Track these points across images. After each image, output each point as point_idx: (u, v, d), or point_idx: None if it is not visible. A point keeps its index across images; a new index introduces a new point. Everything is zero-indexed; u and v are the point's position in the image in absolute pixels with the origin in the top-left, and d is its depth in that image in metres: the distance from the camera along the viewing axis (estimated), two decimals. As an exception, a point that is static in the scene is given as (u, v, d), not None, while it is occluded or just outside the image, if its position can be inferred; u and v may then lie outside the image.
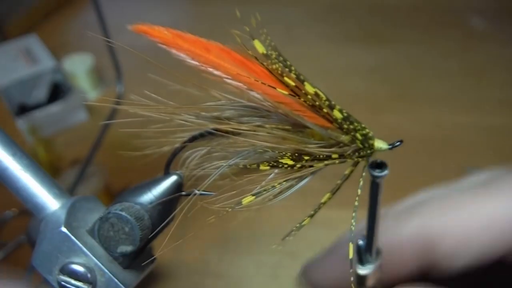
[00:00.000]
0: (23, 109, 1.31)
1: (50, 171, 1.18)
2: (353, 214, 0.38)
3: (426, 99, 1.45)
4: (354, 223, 0.38)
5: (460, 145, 1.25)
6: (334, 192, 0.38)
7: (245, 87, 0.36)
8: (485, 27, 1.77)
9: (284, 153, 0.36)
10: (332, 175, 0.41)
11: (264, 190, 0.36)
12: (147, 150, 0.38)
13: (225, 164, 0.35)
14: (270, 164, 0.36)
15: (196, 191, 0.37)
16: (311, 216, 0.39)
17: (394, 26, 1.80)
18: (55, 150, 1.21)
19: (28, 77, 1.31)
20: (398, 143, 0.38)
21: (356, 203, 0.38)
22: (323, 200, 0.38)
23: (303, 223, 0.39)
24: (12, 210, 1.06)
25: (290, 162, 0.35)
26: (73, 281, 0.34)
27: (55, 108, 1.32)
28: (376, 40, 1.73)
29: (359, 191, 0.38)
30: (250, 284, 0.96)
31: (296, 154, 0.36)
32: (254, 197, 0.36)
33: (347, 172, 0.38)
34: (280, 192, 0.37)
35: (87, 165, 1.06)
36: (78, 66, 1.45)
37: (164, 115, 0.36)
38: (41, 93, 1.33)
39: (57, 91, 1.36)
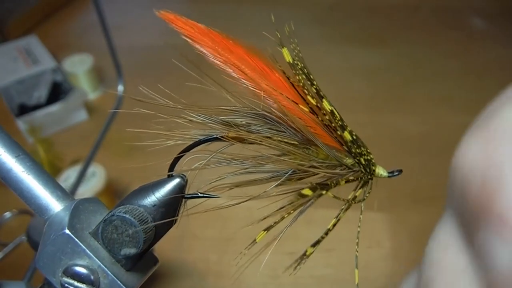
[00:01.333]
0: (23, 110, 1.31)
1: (50, 171, 1.18)
2: (358, 232, 0.38)
3: (426, 99, 1.45)
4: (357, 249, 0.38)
5: (460, 145, 1.25)
6: (338, 219, 0.38)
7: (262, 94, 0.35)
8: (485, 27, 1.77)
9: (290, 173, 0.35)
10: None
11: (275, 223, 0.36)
12: (148, 149, 0.38)
13: (230, 174, 0.35)
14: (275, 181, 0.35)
15: (199, 194, 0.37)
16: (319, 242, 0.39)
17: (394, 27, 1.80)
18: (55, 150, 1.21)
19: (28, 78, 1.30)
20: (397, 173, 0.38)
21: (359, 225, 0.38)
22: (329, 226, 0.39)
23: (310, 251, 0.39)
24: (12, 210, 1.06)
25: (310, 193, 0.34)
26: (76, 283, 0.34)
27: (55, 108, 1.32)
28: (376, 41, 1.73)
29: (362, 206, 0.38)
30: (250, 284, 0.97)
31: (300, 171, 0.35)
32: (265, 232, 0.37)
33: (350, 197, 0.38)
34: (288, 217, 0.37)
35: (87, 165, 1.06)
36: (78, 66, 1.45)
37: (172, 116, 0.36)
38: (41, 93, 1.33)
39: (57, 92, 1.36)
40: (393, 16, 1.87)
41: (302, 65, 0.36)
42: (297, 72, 0.35)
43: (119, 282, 0.34)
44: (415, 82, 1.52)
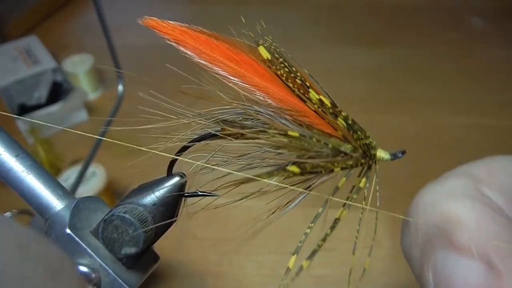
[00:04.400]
0: (23, 110, 1.31)
1: (50, 172, 1.18)
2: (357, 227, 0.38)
3: (426, 99, 1.45)
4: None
5: (460, 145, 1.25)
6: (347, 207, 0.38)
7: (251, 89, 0.36)
8: (484, 27, 1.78)
9: (289, 161, 0.35)
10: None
11: (300, 242, 0.37)
12: (148, 149, 0.38)
13: (231, 172, 0.35)
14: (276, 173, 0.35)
15: (199, 192, 0.37)
16: (328, 234, 0.39)
17: (393, 28, 1.80)
18: (55, 150, 1.21)
19: (28, 78, 1.31)
20: (400, 154, 0.38)
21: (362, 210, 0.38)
22: (337, 216, 0.38)
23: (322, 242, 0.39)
24: (12, 210, 1.05)
25: (297, 170, 0.35)
26: (77, 282, 0.34)
27: (55, 108, 1.32)
28: (375, 42, 1.73)
29: (364, 204, 0.38)
30: (250, 284, 0.97)
31: (299, 162, 0.35)
32: (295, 255, 0.37)
33: (361, 184, 0.38)
34: (288, 203, 0.37)
35: (88, 165, 1.06)
36: (78, 67, 1.45)
37: (168, 117, 0.36)
38: (41, 93, 1.33)
39: (58, 92, 1.36)
40: (393, 16, 1.87)
41: (282, 59, 0.36)
42: (279, 66, 0.36)
43: (120, 280, 0.35)
44: (415, 82, 1.52)
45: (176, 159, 0.37)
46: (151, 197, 0.36)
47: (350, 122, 0.37)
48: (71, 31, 1.89)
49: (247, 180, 0.35)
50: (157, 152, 0.36)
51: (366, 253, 1.02)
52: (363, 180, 0.38)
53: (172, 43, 0.36)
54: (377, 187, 0.38)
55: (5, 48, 1.43)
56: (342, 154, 0.37)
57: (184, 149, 0.37)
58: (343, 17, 1.89)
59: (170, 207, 0.36)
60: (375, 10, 1.92)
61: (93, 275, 0.34)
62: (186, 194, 0.37)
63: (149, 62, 1.57)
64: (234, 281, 0.97)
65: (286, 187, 0.35)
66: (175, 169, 0.38)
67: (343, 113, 0.37)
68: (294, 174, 0.34)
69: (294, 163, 0.35)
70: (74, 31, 1.89)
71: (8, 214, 1.01)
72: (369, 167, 0.38)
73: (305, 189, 0.37)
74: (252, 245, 1.03)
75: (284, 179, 0.35)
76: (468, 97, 1.43)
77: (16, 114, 1.29)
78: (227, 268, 0.99)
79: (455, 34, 1.74)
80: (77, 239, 0.34)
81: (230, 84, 0.36)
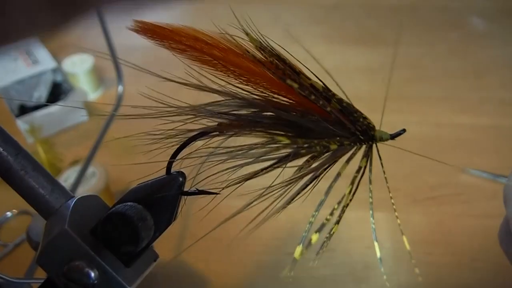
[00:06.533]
0: (23, 110, 1.31)
1: (50, 171, 1.18)
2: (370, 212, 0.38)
3: (425, 99, 1.45)
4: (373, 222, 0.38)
5: (460, 145, 1.25)
6: (354, 192, 0.38)
7: (244, 81, 0.36)
8: (485, 27, 1.77)
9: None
10: (329, 176, 0.41)
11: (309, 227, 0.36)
12: (147, 149, 0.38)
13: (233, 167, 0.35)
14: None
15: (198, 190, 0.37)
16: (338, 222, 0.39)
17: (394, 27, 1.80)
18: (55, 150, 1.21)
19: (28, 78, 1.31)
20: (401, 132, 0.38)
21: (370, 200, 0.38)
22: (346, 192, 0.38)
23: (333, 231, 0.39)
24: (12, 210, 1.06)
25: (286, 140, 0.34)
26: (77, 280, 0.34)
27: (55, 108, 1.32)
28: (376, 41, 1.73)
29: (370, 189, 0.38)
30: (250, 284, 0.97)
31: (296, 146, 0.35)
32: (301, 245, 0.37)
33: (361, 164, 0.38)
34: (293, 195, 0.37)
35: (87, 165, 1.06)
36: (78, 67, 1.45)
37: (165, 114, 0.36)
38: (41, 93, 1.33)
39: (58, 92, 1.36)
40: (393, 16, 1.87)
41: (270, 48, 0.36)
42: (267, 54, 0.36)
43: (119, 278, 0.35)
44: (415, 82, 1.52)
45: (175, 158, 0.37)
46: (150, 196, 0.36)
47: (345, 104, 0.37)
48: (71, 31, 1.89)
49: (252, 176, 0.35)
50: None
51: (367, 253, 1.02)
52: (364, 161, 0.38)
53: (158, 45, 0.36)
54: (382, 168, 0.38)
55: (5, 48, 1.43)
56: (338, 138, 0.37)
57: (182, 147, 0.37)
58: (344, 16, 1.89)
59: (169, 206, 0.37)
60: (375, 10, 1.92)
61: (92, 274, 0.34)
62: (185, 193, 0.38)
63: (149, 62, 1.57)
64: (235, 281, 0.97)
65: (289, 183, 0.35)
66: (174, 168, 0.38)
67: (336, 96, 0.36)
68: (284, 144, 0.34)
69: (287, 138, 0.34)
70: (74, 31, 1.89)
71: (8, 214, 1.02)
72: (370, 148, 0.38)
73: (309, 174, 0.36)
74: (253, 245, 1.02)
75: (275, 151, 0.35)
76: (468, 96, 1.43)
77: (16, 115, 1.29)
78: (228, 268, 0.99)
79: (456, 33, 1.74)
80: (76, 237, 0.34)
81: (222, 79, 0.36)
